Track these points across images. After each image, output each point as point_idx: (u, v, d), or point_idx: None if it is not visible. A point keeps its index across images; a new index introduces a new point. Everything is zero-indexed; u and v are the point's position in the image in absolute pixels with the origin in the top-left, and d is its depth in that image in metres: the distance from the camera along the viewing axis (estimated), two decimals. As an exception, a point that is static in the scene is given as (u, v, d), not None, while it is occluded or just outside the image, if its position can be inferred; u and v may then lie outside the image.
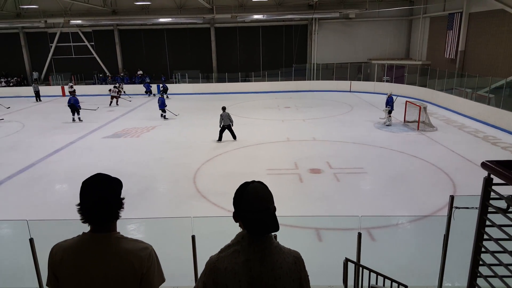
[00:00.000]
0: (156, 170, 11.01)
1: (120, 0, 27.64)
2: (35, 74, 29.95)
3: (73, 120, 18.07)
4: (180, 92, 26.43)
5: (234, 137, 13.92)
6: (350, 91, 25.90)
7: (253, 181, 1.74)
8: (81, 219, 1.80)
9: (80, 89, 27.25)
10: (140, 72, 29.32)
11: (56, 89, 26.58)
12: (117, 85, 24.17)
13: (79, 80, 29.18)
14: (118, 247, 1.80)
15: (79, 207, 1.81)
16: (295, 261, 1.74)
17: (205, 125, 16.56)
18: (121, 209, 1.88)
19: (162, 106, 18.20)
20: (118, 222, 1.92)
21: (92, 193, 1.81)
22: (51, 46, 29.70)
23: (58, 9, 27.44)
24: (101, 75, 29.54)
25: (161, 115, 18.32)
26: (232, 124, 13.82)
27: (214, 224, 5.81)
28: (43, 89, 26.15)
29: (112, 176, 1.91)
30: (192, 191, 9.44)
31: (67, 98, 19.05)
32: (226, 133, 13.87)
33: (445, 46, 22.47)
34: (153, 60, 29.66)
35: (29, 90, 26.19)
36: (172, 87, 26.24)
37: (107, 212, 1.82)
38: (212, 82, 27.99)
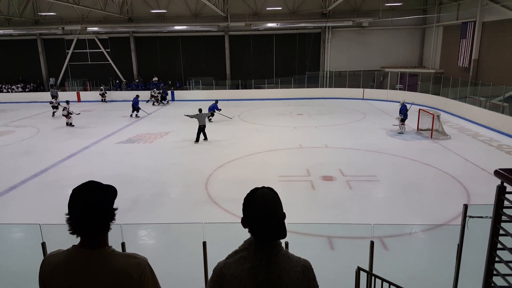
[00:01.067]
0: (168, 176, 11.13)
1: (136, 7, 28.21)
2: (52, 80, 30.65)
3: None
4: (194, 98, 26.72)
5: (206, 137, 15.12)
6: (363, 99, 25.81)
7: (263, 187, 1.73)
8: (69, 230, 1.70)
9: (93, 95, 27.90)
10: (155, 78, 29.79)
11: (71, 95, 27.14)
12: (156, 90, 26.13)
13: (94, 86, 29.75)
14: (109, 264, 1.71)
15: (67, 216, 1.70)
16: (304, 270, 1.70)
17: (217, 131, 16.70)
18: (113, 221, 1.76)
19: (136, 105, 20.54)
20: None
21: (82, 201, 1.70)
22: (68, 53, 30.40)
23: (75, 16, 28.17)
24: (116, 81, 30.07)
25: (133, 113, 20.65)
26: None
27: (225, 230, 5.83)
28: (60, 95, 26.67)
29: (106, 184, 1.81)
30: (204, 197, 9.52)
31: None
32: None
33: (458, 54, 22.27)
34: (168, 67, 30.08)
35: (45, 96, 26.80)
36: (185, 94, 26.59)
37: (98, 222, 1.70)
38: (226, 89, 28.24)
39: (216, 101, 19.83)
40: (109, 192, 1.78)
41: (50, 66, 31.03)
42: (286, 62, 29.47)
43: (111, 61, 30.50)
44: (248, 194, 1.72)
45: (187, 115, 15.43)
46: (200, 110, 15.20)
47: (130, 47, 29.88)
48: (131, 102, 21.09)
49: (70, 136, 16.49)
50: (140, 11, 28.14)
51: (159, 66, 30.12)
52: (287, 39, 29.01)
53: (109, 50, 30.30)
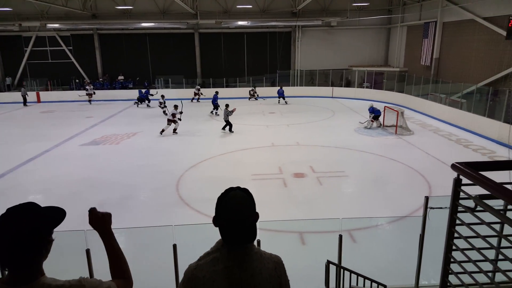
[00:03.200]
0: (137, 178, 10.87)
1: (100, 3, 27.28)
2: (8, 80, 29.01)
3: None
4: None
5: (230, 130, 16.18)
6: (332, 97, 26.33)
7: (237, 188, 1.71)
8: None
9: (56, 94, 26.76)
10: (121, 77, 28.99)
11: (30, 95, 25.78)
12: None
13: (56, 86, 28.51)
14: None
15: None
16: (276, 267, 1.71)
17: (189, 131, 16.51)
18: (42, 256, 1.48)
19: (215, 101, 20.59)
20: (96, 234, 1.72)
21: (5, 229, 1.41)
22: (26, 51, 28.94)
23: (34, 12, 26.81)
24: (77, 80, 28.96)
25: None
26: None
27: (196, 232, 5.79)
28: (17, 95, 25.37)
29: (51, 206, 1.54)
30: (174, 198, 9.39)
31: (43, 104, 18.71)
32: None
33: (421, 53, 23.22)
34: (135, 65, 29.35)
35: (2, 96, 25.40)
36: (154, 92, 26.00)
37: (24, 256, 1.42)
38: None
39: (217, 92, 20.99)
40: (44, 220, 1.47)
41: (6, 65, 29.38)
42: (257, 60, 29.55)
43: (73, 60, 29.35)
44: (221, 194, 1.70)
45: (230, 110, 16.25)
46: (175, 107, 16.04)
47: (94, 45, 28.88)
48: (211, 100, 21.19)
49: (30, 139, 15.71)
50: (105, 7, 27.24)
51: (125, 64, 29.34)
52: (258, 37, 29.10)
53: (71, 48, 29.13)
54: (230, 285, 1.61)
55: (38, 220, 1.46)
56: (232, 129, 16.25)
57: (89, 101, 24.79)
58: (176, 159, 12.62)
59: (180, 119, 16.22)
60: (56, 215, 1.53)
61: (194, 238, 5.09)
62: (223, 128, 16.38)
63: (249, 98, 25.83)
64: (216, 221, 1.67)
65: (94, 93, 24.98)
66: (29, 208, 1.47)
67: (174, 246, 4.52)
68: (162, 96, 20.53)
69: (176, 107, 16.26)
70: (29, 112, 22.81)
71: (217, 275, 1.61)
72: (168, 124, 16.07)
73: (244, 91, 26.66)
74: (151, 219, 8.11)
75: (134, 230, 7.14)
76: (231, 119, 16.31)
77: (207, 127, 17.52)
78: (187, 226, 6.02)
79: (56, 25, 26.71)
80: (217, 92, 21.14)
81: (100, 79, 28.88)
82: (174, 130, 16.16)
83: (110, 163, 12.30)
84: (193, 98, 25.25)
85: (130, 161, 12.49)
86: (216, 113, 20.33)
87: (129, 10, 27.26)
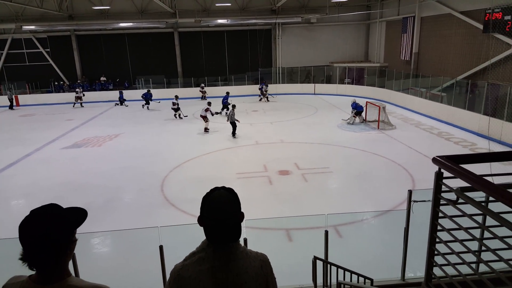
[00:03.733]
0: (121, 180, 10.72)
1: (77, 4, 26.63)
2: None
3: (142, 106, 22.31)
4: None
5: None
6: (314, 94, 26.50)
7: (222, 188, 1.71)
8: (20, 259, 1.50)
9: (35, 98, 26.11)
10: (103, 78, 28.47)
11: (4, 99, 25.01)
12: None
13: (35, 89, 27.76)
14: None
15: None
16: (262, 265, 1.71)
17: (172, 131, 16.34)
18: (66, 256, 1.55)
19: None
20: (82, 237, 1.70)
21: (28, 231, 1.48)
22: (2, 54, 28.07)
23: (8, 13, 25.97)
24: (56, 83, 28.25)
25: None
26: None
27: (182, 233, 5.75)
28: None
29: (72, 207, 1.61)
30: (160, 199, 9.29)
31: (22, 108, 18.16)
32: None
33: (400, 48, 23.59)
34: (114, 66, 28.82)
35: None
36: (135, 93, 25.57)
37: (47, 257, 1.48)
38: (178, 87, 27.63)
39: (227, 93, 20.60)
40: (67, 221, 1.54)
41: (-18, 69, 28.48)
42: (238, 59, 29.44)
43: (51, 62, 28.60)
44: (206, 194, 1.70)
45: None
46: (233, 107, 15.75)
47: (72, 46, 28.20)
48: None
49: (10, 144, 15.30)
50: (81, 8, 26.60)
51: (105, 65, 28.78)
52: (239, 35, 28.99)
53: (48, 49, 28.38)
54: (216, 285, 1.61)
55: (61, 221, 1.53)
56: (236, 135, 15.14)
57: (80, 103, 24.27)
58: (160, 159, 12.48)
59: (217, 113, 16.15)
60: (78, 215, 1.59)
61: (180, 238, 5.06)
62: (234, 135, 15.09)
63: (201, 98, 25.28)
64: (200, 220, 1.68)
65: (84, 95, 24.63)
66: (51, 210, 1.55)
67: (161, 247, 4.48)
68: (176, 97, 19.42)
69: (209, 104, 16.37)
70: (8, 116, 22.16)
71: (203, 275, 1.61)
72: (205, 121, 15.92)
73: (229, 89, 26.57)
74: (137, 221, 8.00)
75: (119, 232, 7.05)
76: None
77: (191, 126, 17.36)
78: (173, 227, 5.97)
79: (32, 27, 25.93)
80: (228, 93, 20.71)
81: (78, 81, 28.24)
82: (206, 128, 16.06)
83: (93, 165, 12.08)
84: (202, 97, 25.40)
85: (113, 163, 12.28)
86: (220, 113, 19.70)
87: (106, 10, 26.72)
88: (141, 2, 26.89)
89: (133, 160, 12.50)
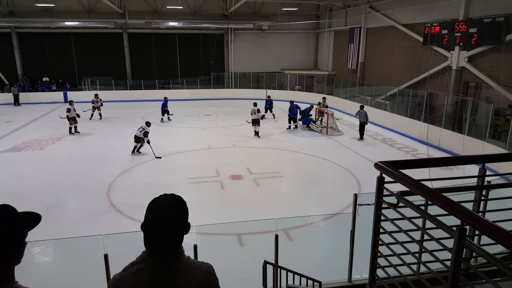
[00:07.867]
0: (64, 186, 10.10)
1: (18, 0, 24.77)
2: None
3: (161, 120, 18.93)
4: (91, 99, 24.56)
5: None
6: (267, 99, 26.81)
7: (171, 195, 1.63)
8: None
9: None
10: (46, 78, 26.65)
11: None
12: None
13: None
14: None
15: None
16: (205, 276, 1.64)
17: (120, 135, 15.69)
18: (14, 259, 1.47)
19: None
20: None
21: None
22: None
23: None
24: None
25: None
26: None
27: (129, 240, 5.54)
28: None
29: (26, 212, 1.53)
30: (106, 206, 8.88)
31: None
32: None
33: (347, 57, 24.74)
34: (58, 66, 27.13)
35: None
36: (81, 95, 24.19)
37: None
38: (127, 89, 26.64)
39: (165, 98, 19.41)
40: (21, 222, 1.47)
41: None
42: (190, 62, 29.09)
43: (-12, 59, 26.30)
44: (151, 200, 1.63)
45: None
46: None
47: (12, 44, 26.14)
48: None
49: None
50: (23, 4, 24.75)
51: (48, 65, 27.01)
52: (191, 39, 28.67)
53: (-15, 47, 26.09)
54: None
55: (14, 222, 1.46)
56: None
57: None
58: (106, 164, 11.94)
59: None
60: (32, 218, 1.53)
61: (127, 246, 4.85)
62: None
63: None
64: (142, 227, 1.60)
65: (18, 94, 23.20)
66: (5, 210, 1.47)
67: (106, 256, 4.28)
68: (96, 95, 18.65)
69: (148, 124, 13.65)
70: None
71: (141, 287, 1.53)
72: None
73: (181, 93, 26.14)
74: (81, 229, 7.59)
75: (62, 241, 6.69)
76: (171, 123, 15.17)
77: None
78: (119, 234, 5.73)
79: (-34, 22, 23.70)
80: (165, 98, 19.37)
81: (17, 82, 26.20)
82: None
83: (34, 170, 11.29)
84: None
85: (56, 167, 11.56)
86: (168, 118, 19.07)
87: (50, 8, 25.14)
88: (88, 1, 25.66)
89: (78, 165, 11.83)
